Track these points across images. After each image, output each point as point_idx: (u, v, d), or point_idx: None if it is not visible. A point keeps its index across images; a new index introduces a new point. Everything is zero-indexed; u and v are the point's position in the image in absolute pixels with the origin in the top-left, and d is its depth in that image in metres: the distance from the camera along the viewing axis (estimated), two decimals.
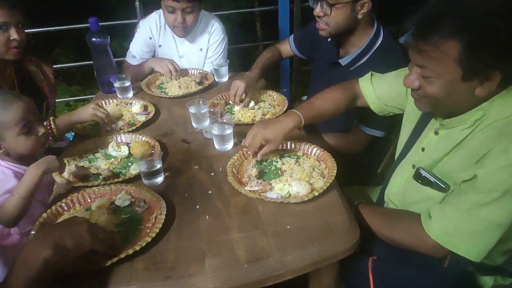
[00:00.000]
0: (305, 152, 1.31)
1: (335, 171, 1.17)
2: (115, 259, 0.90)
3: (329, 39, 1.63)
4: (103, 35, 1.70)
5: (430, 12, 0.88)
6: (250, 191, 1.12)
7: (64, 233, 0.80)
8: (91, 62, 1.79)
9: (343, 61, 1.56)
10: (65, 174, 1.21)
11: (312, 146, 1.31)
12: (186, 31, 1.89)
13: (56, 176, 1.19)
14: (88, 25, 1.69)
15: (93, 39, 1.69)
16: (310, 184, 1.13)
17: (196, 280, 0.88)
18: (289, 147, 1.34)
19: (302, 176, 1.15)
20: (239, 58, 2.85)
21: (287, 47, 1.93)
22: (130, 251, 0.92)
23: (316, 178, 1.15)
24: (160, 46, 2.03)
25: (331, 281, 1.09)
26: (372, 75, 1.32)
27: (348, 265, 1.09)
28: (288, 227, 1.01)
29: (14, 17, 1.46)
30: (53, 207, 1.08)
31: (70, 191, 1.18)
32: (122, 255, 0.90)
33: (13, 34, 1.46)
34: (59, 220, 1.06)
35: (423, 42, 0.87)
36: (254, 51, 3.61)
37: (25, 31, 1.53)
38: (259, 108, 1.61)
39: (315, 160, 1.27)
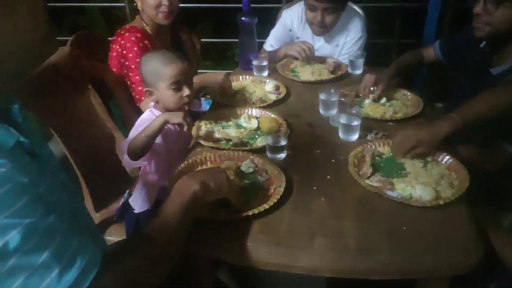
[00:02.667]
0: (435, 158, 1.24)
1: (467, 184, 1.08)
2: (236, 216, 0.99)
3: (481, 45, 1.49)
4: (252, 15, 1.82)
5: None
6: (370, 184, 1.11)
7: (209, 176, 0.93)
8: (226, 40, 1.94)
9: (496, 71, 1.41)
10: (201, 133, 1.36)
11: (444, 153, 1.23)
12: (323, 30, 1.92)
13: (193, 132, 1.35)
14: (236, 5, 1.83)
15: (243, 18, 1.82)
16: (436, 191, 1.07)
17: (304, 254, 0.93)
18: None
19: (428, 182, 1.10)
20: (373, 53, 2.77)
21: (431, 51, 1.81)
22: (250, 213, 1.00)
23: (444, 187, 1.09)
24: (297, 38, 2.08)
25: None
26: None
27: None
28: (404, 228, 0.98)
29: None
30: (190, 160, 1.23)
31: (204, 151, 1.31)
32: (243, 215, 0.99)
33: (164, 0, 1.65)
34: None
35: None
36: (390, 49, 3.45)
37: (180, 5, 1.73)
38: (390, 105, 1.56)
39: (445, 168, 1.19)
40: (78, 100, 1.51)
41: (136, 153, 1.26)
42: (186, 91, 1.35)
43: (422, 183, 1.09)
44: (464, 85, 1.62)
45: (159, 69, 1.31)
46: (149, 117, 1.36)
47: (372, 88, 1.59)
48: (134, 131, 1.32)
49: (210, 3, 3.40)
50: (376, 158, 1.26)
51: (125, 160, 1.31)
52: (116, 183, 1.63)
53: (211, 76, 1.70)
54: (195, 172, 1.02)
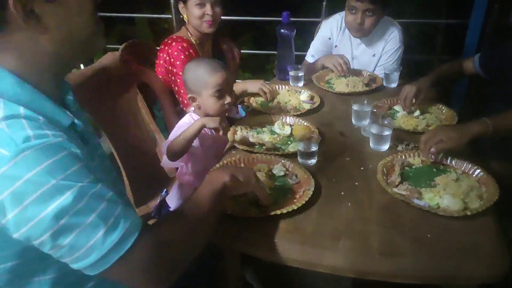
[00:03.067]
0: (466, 171, 1.25)
1: (497, 197, 1.09)
2: (265, 214, 1.05)
3: None
4: (290, 28, 1.90)
5: None
6: (397, 192, 1.14)
7: (238, 171, 0.99)
8: (265, 52, 2.03)
9: None
10: (237, 137, 1.43)
11: (476, 166, 1.24)
12: (362, 32, 1.96)
13: (229, 136, 1.43)
14: (276, 18, 1.92)
15: (282, 30, 1.90)
16: (464, 202, 1.08)
17: (329, 254, 0.97)
18: (449, 163, 1.29)
19: (457, 193, 1.11)
20: (410, 69, 2.77)
21: (470, 64, 1.81)
22: (278, 212, 1.05)
23: (473, 198, 1.09)
24: (336, 46, 2.14)
25: None
26: None
27: None
28: (428, 235, 1.00)
29: None
30: (224, 161, 1.30)
31: (238, 153, 1.39)
32: (272, 213, 1.05)
33: (208, 11, 1.78)
34: None
35: None
36: (430, 65, 3.42)
37: (222, 17, 1.85)
38: (423, 118, 1.58)
39: (475, 181, 1.19)
40: (126, 103, 1.63)
41: (174, 154, 1.35)
42: (227, 99, 1.44)
43: (450, 193, 1.10)
44: (502, 100, 1.61)
45: (204, 77, 1.41)
46: (188, 121, 1.46)
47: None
48: (174, 134, 1.42)
49: (251, 16, 3.52)
50: (406, 168, 1.28)
51: (164, 160, 1.41)
52: (155, 182, 1.74)
53: (250, 83, 1.79)
54: (226, 167, 1.08)
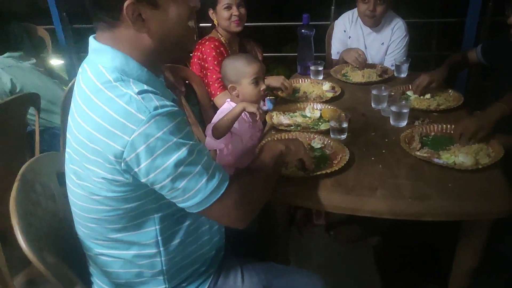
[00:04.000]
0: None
1: (503, 153, 1.31)
2: (312, 174, 1.27)
3: None
4: (310, 29, 2.14)
5: None
6: (419, 154, 1.36)
7: (290, 142, 1.22)
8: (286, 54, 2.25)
9: None
10: (274, 120, 1.66)
11: None
12: (374, 20, 2.22)
13: (267, 119, 1.65)
14: (298, 22, 2.17)
15: (303, 31, 2.14)
16: (476, 159, 1.30)
17: (369, 200, 1.19)
18: None
19: (469, 151, 1.33)
20: (412, 65, 3.01)
21: (474, 54, 2.05)
22: (324, 172, 1.27)
23: (483, 156, 1.32)
24: (350, 37, 2.40)
25: (480, 244, 1.24)
26: None
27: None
28: (449, 184, 1.22)
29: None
30: (269, 138, 1.52)
31: (277, 133, 1.61)
32: (318, 173, 1.27)
33: (235, 12, 2.04)
34: None
35: None
36: (426, 61, 3.66)
37: (246, 24, 2.11)
38: (434, 100, 1.81)
39: (483, 144, 1.41)
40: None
41: (219, 132, 1.56)
42: (263, 86, 1.67)
43: (464, 152, 1.33)
44: (504, 84, 1.84)
45: (243, 68, 1.63)
46: (228, 107, 1.68)
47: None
48: (216, 118, 1.64)
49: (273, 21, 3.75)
50: (423, 138, 1.50)
51: (207, 141, 1.62)
52: None
53: (272, 79, 2.01)
54: (281, 139, 1.29)
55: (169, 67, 2.09)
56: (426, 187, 1.22)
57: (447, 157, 1.34)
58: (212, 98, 2.06)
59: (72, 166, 0.91)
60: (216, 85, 2.01)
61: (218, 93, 2.00)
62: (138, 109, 0.82)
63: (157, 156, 0.83)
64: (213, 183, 0.90)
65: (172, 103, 0.88)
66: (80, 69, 0.95)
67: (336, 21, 2.50)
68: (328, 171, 1.28)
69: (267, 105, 2.22)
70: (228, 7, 2.05)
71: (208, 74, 2.04)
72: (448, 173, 1.27)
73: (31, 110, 1.83)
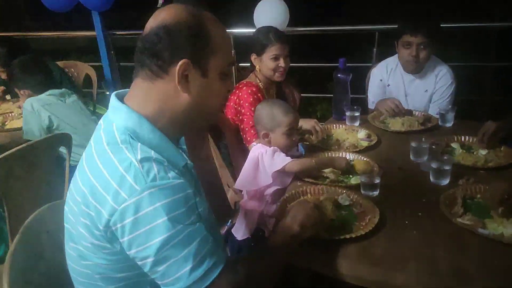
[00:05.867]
0: None
1: None
2: (336, 238, 1.14)
3: None
4: (347, 73, 2.06)
5: None
6: (461, 222, 1.20)
7: (305, 220, 1.09)
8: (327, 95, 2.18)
9: None
10: None
11: None
12: (416, 66, 2.09)
13: None
14: (336, 64, 2.09)
15: (339, 75, 2.06)
16: None
17: (399, 275, 1.04)
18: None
19: None
20: (470, 109, 2.82)
21: None
22: (348, 236, 1.15)
23: None
24: (388, 85, 2.28)
25: None
26: None
27: None
28: (495, 262, 1.05)
29: (284, 51, 2.01)
30: (293, 191, 1.42)
31: (303, 185, 1.51)
32: (342, 237, 1.15)
33: (281, 63, 2.00)
34: (294, 202, 1.39)
35: None
36: (481, 105, 3.42)
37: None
38: (481, 155, 1.63)
39: None
40: (200, 140, 1.82)
41: (302, 172, 1.53)
42: (295, 136, 1.62)
43: None
44: None
45: (279, 116, 1.61)
46: (263, 149, 1.61)
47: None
48: (248, 162, 1.62)
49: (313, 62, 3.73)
50: (467, 201, 1.34)
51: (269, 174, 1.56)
52: (220, 212, 1.88)
53: (304, 121, 1.93)
54: (296, 214, 1.11)
55: None
56: (467, 263, 1.05)
57: (493, 228, 1.17)
58: (247, 144, 2.01)
59: (67, 225, 0.87)
60: (252, 131, 1.98)
61: (254, 139, 1.96)
62: (135, 177, 0.77)
63: (141, 232, 0.77)
64: (198, 272, 0.81)
65: (176, 175, 0.82)
66: (97, 125, 0.93)
67: (372, 69, 2.40)
68: (354, 235, 1.15)
69: (300, 150, 2.13)
70: (276, 58, 2.03)
71: (245, 119, 2.01)
72: (494, 247, 1.10)
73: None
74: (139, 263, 0.80)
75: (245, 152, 1.94)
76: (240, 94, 2.01)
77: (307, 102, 4.73)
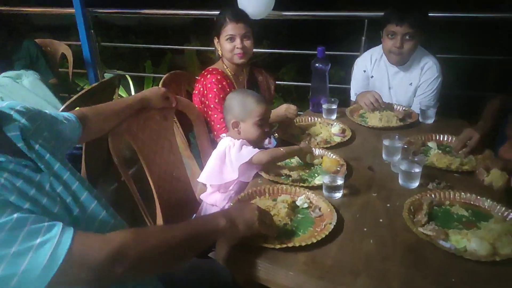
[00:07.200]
0: (500, 214, 1.19)
1: None
2: (284, 245, 1.05)
3: None
4: (325, 62, 1.94)
5: None
6: (422, 232, 1.11)
7: (241, 218, 1.01)
8: (306, 84, 2.07)
9: None
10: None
11: (510, 210, 1.17)
12: (401, 57, 1.97)
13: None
14: (314, 52, 1.97)
15: (316, 64, 1.94)
16: (494, 247, 1.03)
17: None
18: (481, 205, 1.24)
19: (486, 236, 1.06)
20: (455, 105, 2.70)
21: None
22: (297, 244, 1.05)
23: (505, 244, 1.04)
24: (372, 77, 2.16)
25: None
26: None
27: None
28: (453, 279, 0.96)
29: (239, 30, 1.88)
30: (250, 190, 1.33)
31: (264, 183, 1.41)
32: (290, 244, 1.05)
33: (238, 44, 1.88)
34: (252, 201, 1.29)
35: None
36: (478, 102, 3.28)
37: (260, 50, 1.93)
38: (457, 157, 1.52)
39: (510, 225, 1.13)
40: (163, 129, 1.71)
41: (271, 161, 1.47)
42: (266, 128, 1.54)
43: (479, 237, 1.05)
44: None
45: (251, 106, 1.53)
46: (230, 143, 1.52)
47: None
48: (213, 157, 1.57)
49: (293, 49, 3.62)
50: (435, 207, 1.24)
51: (228, 172, 1.51)
52: (186, 206, 1.79)
53: (274, 112, 1.83)
54: (229, 211, 1.08)
55: (172, 76, 1.97)
56: (421, 281, 0.96)
57: (456, 240, 1.07)
58: (215, 138, 1.91)
59: None
60: (218, 126, 1.87)
61: (222, 134, 1.84)
62: None
63: None
64: (46, 248, 0.71)
65: None
66: None
67: (356, 61, 2.27)
68: (303, 243, 1.06)
69: (272, 143, 2.03)
70: (232, 39, 1.89)
71: (210, 112, 1.90)
72: (454, 263, 1.01)
73: None
74: None
75: (214, 143, 1.84)
76: (205, 82, 1.89)
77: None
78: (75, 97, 1.84)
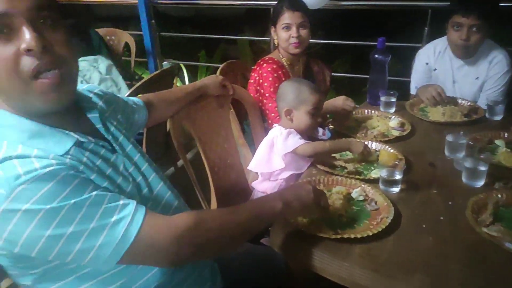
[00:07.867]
0: None
1: None
2: (339, 236, 1.05)
3: None
4: (385, 54, 1.88)
5: None
6: (487, 233, 1.05)
7: (295, 200, 1.00)
8: (361, 76, 2.02)
9: None
10: None
11: None
12: (467, 50, 1.87)
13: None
14: (374, 43, 1.91)
15: (376, 56, 1.89)
16: None
17: (400, 286, 0.93)
18: None
19: None
20: None
21: None
22: (352, 236, 1.05)
23: None
24: (435, 70, 2.06)
25: None
26: None
27: None
28: None
29: (296, 19, 1.86)
30: (304, 180, 1.33)
31: (318, 173, 1.41)
32: (345, 236, 1.05)
33: (294, 33, 1.86)
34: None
35: None
36: None
37: (316, 41, 1.91)
38: None
39: None
40: (220, 117, 1.76)
41: (314, 155, 1.47)
42: (319, 118, 1.54)
43: None
44: None
45: (306, 94, 1.54)
46: (279, 133, 1.54)
47: None
48: (262, 145, 1.60)
49: (349, 40, 3.54)
50: (501, 208, 1.17)
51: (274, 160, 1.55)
52: (238, 193, 1.83)
53: (331, 102, 1.80)
54: (284, 191, 1.08)
55: (229, 65, 2.00)
56: (483, 281, 0.92)
57: None
58: (269, 127, 1.93)
59: None
60: (273, 114, 1.89)
61: (276, 124, 1.86)
62: None
63: (30, 231, 0.70)
64: (120, 226, 0.75)
65: (47, 163, 0.73)
66: None
67: (419, 51, 2.17)
68: (359, 235, 1.05)
69: (326, 134, 2.01)
70: (288, 28, 1.89)
71: (265, 101, 1.92)
72: None
73: None
74: (50, 257, 0.74)
75: (268, 132, 1.86)
76: (261, 72, 1.91)
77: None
78: (138, 83, 1.94)
